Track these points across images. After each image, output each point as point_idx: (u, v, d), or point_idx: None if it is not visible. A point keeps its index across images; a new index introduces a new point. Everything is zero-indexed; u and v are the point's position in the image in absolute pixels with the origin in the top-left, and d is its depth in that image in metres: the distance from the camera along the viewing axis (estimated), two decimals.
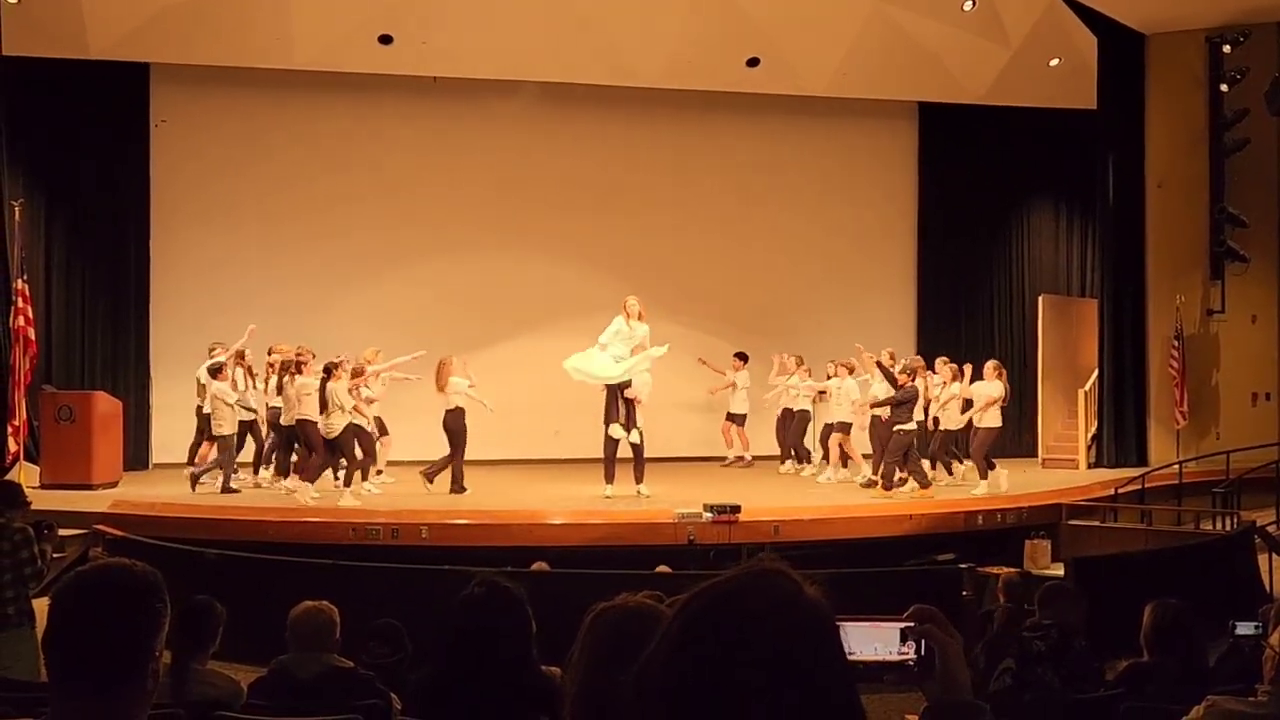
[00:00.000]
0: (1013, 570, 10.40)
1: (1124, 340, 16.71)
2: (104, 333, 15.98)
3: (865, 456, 14.94)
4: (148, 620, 1.98)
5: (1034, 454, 17.45)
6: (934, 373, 14.64)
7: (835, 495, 13.64)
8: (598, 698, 1.89)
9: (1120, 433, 16.58)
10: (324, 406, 12.36)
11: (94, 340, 15.94)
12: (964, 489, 14.09)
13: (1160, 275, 16.68)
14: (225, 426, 13.17)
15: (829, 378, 15.24)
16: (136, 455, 15.53)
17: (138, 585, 2.00)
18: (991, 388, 13.92)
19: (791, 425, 15.91)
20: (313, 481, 12.51)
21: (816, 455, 15.78)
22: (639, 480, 12.96)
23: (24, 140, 14.96)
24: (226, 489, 13.08)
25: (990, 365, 14.09)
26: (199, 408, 14.00)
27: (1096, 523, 13.20)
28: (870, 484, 13.99)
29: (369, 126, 17.00)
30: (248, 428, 13.99)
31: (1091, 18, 16.31)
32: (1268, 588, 10.98)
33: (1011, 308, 19.08)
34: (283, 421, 13.11)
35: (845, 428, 14.91)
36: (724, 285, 17.94)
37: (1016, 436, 18.60)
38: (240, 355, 13.72)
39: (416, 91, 16.98)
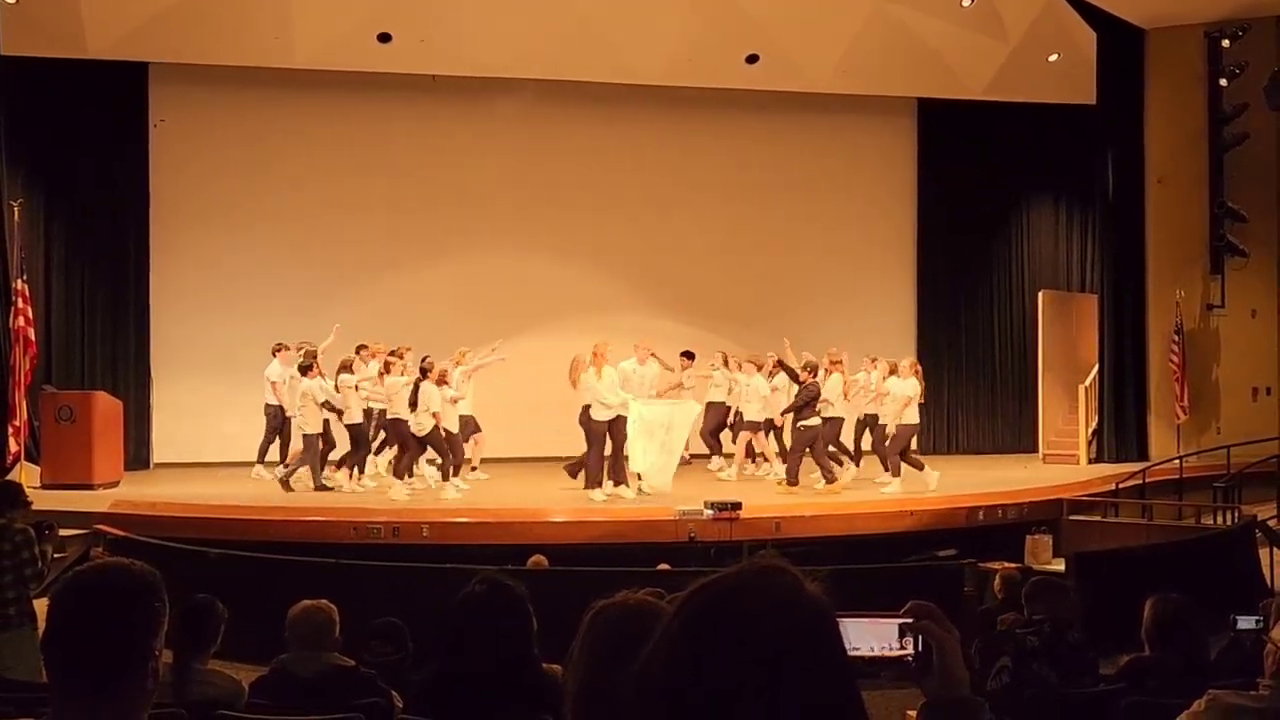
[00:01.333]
0: (1013, 566, 10.43)
1: (1124, 335, 16.71)
2: (104, 332, 15.97)
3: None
4: (146, 620, 1.98)
5: (1035, 449, 17.46)
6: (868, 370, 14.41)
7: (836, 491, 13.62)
8: (598, 696, 1.89)
9: (1121, 428, 16.59)
10: (413, 405, 12.52)
11: (94, 340, 15.94)
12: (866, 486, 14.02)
13: (1160, 270, 16.68)
14: (311, 425, 13.22)
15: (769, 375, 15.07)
16: (137, 455, 15.54)
17: (136, 585, 2.00)
18: (906, 386, 13.61)
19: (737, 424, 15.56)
20: (401, 478, 12.78)
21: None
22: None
23: (23, 140, 14.95)
24: (320, 486, 13.18)
25: (905, 363, 13.83)
26: (268, 406, 14.12)
27: (1097, 518, 13.21)
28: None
29: (369, 126, 16.99)
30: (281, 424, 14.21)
31: (1090, 13, 16.29)
32: (1269, 582, 10.98)
33: (1012, 303, 19.08)
34: (345, 421, 13.28)
35: (753, 426, 14.66)
36: (724, 282, 17.94)
37: (1017, 432, 18.65)
38: (314, 354, 13.71)
39: (416, 90, 16.97)
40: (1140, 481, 14.26)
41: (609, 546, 11.15)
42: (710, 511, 11.36)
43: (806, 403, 13.18)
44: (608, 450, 12.82)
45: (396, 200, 17.01)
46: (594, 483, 12.70)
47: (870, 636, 1.60)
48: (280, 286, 16.64)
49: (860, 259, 18.64)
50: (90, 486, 13.01)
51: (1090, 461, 16.49)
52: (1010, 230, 19.13)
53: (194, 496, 12.63)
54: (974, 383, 18.84)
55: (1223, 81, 16.36)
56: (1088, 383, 16.99)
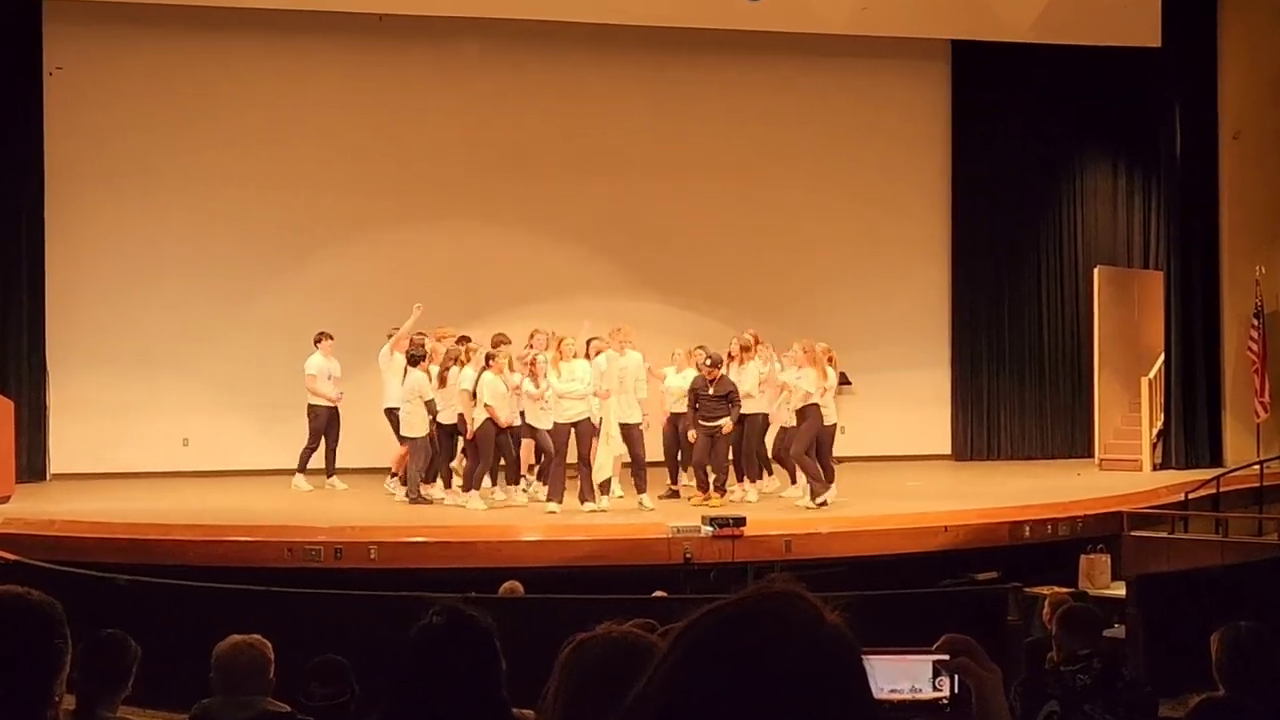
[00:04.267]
0: (1065, 590, 10.47)
1: (1194, 320, 16.75)
2: None
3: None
4: (45, 659, 1.98)
5: (1090, 454, 17.51)
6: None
7: (854, 504, 13.66)
8: None
9: (1190, 428, 16.63)
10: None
11: None
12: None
13: (1237, 242, 16.72)
14: (418, 426, 13.34)
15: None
16: (31, 464, 15.47)
17: (32, 618, 1.99)
18: (811, 376, 13.34)
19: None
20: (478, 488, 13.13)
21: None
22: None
23: None
24: (417, 498, 13.37)
25: (819, 348, 13.54)
26: (311, 406, 14.44)
27: (1164, 534, 13.25)
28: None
29: (303, 75, 16.92)
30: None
31: None
32: None
33: (1062, 282, 19.10)
34: (442, 420, 13.44)
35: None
36: (722, 259, 17.90)
37: (1069, 434, 18.69)
38: (421, 344, 13.93)
39: (360, 32, 16.91)
40: (1214, 491, 14.30)
41: (589, 570, 11.18)
42: (709, 528, 11.38)
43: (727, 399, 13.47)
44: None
45: (337, 163, 16.95)
46: (554, 495, 12.88)
47: (899, 676, 1.60)
48: (202, 264, 16.57)
49: (884, 230, 18.63)
50: None
51: (1155, 468, 16.54)
52: (1060, 196, 19.16)
53: (100, 513, 12.59)
54: (1018, 376, 18.87)
55: None
56: (1152, 375, 17.03)
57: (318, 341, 14.57)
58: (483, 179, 17.34)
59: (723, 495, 13.54)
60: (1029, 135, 18.64)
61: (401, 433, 13.56)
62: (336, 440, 14.71)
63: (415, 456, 13.50)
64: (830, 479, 13.40)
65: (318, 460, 14.87)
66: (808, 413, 13.25)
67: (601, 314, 15.57)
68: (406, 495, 13.53)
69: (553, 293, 16.97)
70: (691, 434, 13.55)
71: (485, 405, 12.86)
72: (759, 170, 18.15)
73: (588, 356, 13.31)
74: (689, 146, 17.94)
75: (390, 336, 14.26)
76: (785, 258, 18.22)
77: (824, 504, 13.13)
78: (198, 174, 16.62)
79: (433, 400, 13.33)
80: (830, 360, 13.48)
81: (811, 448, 13.31)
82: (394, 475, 14.26)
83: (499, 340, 13.58)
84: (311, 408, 14.51)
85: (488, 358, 13.01)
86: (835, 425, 13.67)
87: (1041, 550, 12.73)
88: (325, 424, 14.52)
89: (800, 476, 13.75)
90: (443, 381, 13.33)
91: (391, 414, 13.98)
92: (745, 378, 13.75)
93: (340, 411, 14.60)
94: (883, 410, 17.75)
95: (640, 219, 17.76)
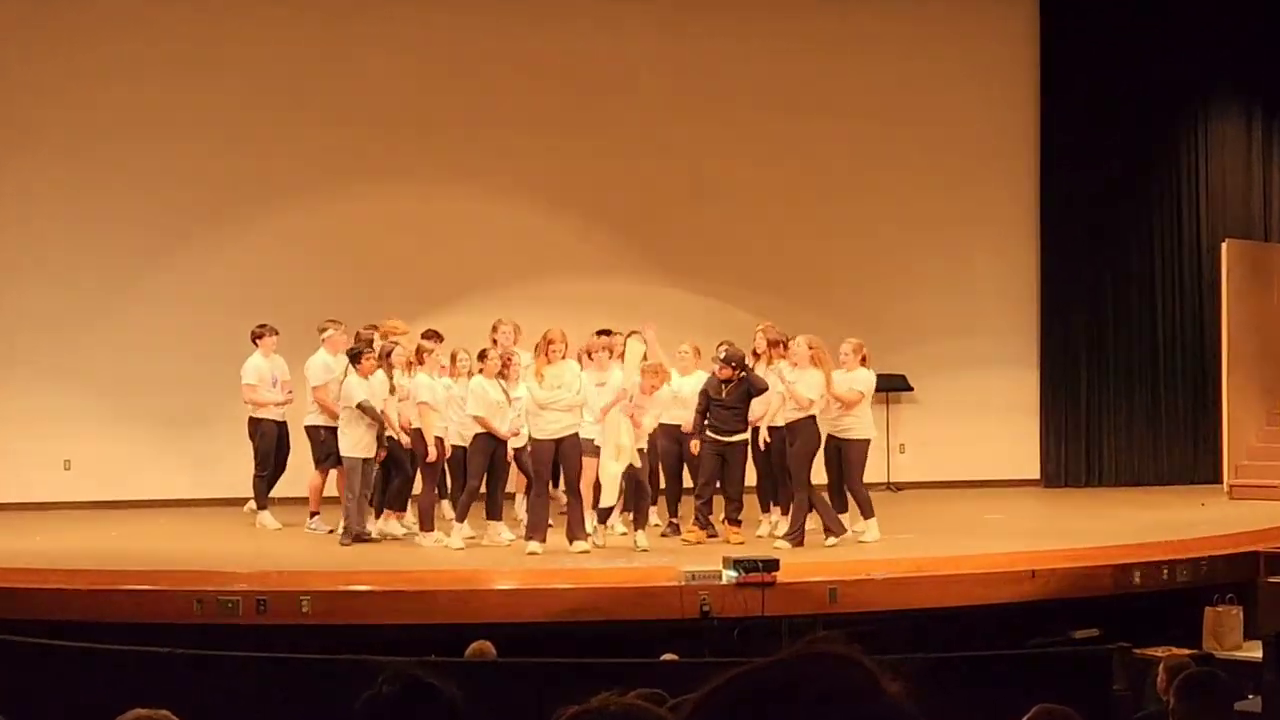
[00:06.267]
0: (1185, 653, 10.45)
1: None
2: None
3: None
4: None
5: (1217, 480, 17.50)
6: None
7: (917, 543, 13.66)
8: None
9: None
10: None
11: None
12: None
13: None
14: (359, 445, 13.26)
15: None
16: None
17: None
18: (858, 379, 13.32)
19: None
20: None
21: None
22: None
23: None
24: (360, 535, 13.26)
25: (850, 346, 13.49)
26: (252, 420, 14.29)
27: None
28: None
29: (233, 8, 16.92)
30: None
31: None
32: None
33: (1180, 261, 19.10)
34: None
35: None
36: (758, 232, 17.93)
37: (1189, 454, 18.67)
38: (368, 339, 13.91)
39: None
40: None
41: (580, 627, 11.18)
42: (733, 574, 11.35)
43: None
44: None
45: (264, 110, 16.96)
46: (535, 531, 12.90)
47: None
48: (89, 240, 16.61)
49: (956, 200, 18.63)
50: None
51: None
52: (1178, 155, 19.17)
53: None
54: (1125, 381, 18.88)
55: None
56: None
57: (256, 339, 14.25)
58: (448, 130, 17.39)
59: (738, 528, 13.50)
60: (1137, 78, 18.62)
61: (343, 451, 13.40)
62: (283, 463, 14.47)
63: (351, 482, 13.32)
64: (843, 510, 13.47)
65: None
66: (801, 429, 13.22)
67: (602, 299, 15.63)
68: (343, 536, 13.22)
69: (537, 274, 16.99)
70: (694, 445, 13.52)
71: (475, 417, 12.86)
72: (800, 125, 18.12)
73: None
74: (714, 90, 17.93)
75: (322, 332, 14.09)
76: (831, 232, 18.25)
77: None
78: (85, 126, 16.64)
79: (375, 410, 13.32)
80: (864, 360, 13.47)
81: (809, 473, 13.32)
82: (315, 514, 14.06)
83: (401, 334, 13.84)
84: (254, 422, 14.24)
85: (484, 357, 13.14)
86: (869, 441, 13.64)
87: (1155, 601, 12.73)
88: (275, 443, 14.27)
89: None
90: (391, 389, 13.34)
91: (312, 431, 13.90)
92: (771, 382, 13.74)
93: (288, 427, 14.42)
94: (953, 423, 17.77)
95: (651, 182, 17.77)
